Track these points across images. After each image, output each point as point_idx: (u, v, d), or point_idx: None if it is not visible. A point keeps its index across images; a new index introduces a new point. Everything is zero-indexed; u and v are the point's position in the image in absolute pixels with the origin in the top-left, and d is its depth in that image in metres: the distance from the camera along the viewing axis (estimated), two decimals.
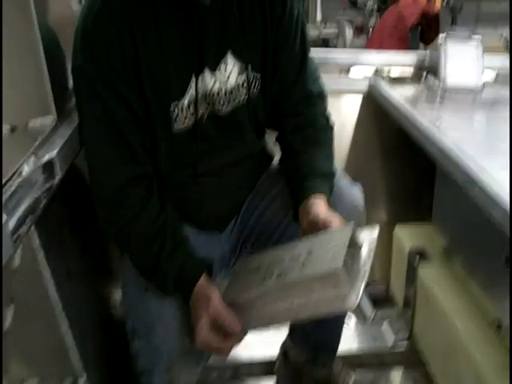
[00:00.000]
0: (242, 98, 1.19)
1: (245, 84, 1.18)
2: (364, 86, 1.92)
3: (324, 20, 5.20)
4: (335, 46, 4.70)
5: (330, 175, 1.21)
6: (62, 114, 1.17)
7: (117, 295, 1.33)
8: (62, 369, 1.10)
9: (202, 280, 1.08)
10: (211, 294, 1.04)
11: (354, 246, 1.01)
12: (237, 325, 1.00)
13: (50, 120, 1.13)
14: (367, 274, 0.95)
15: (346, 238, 0.98)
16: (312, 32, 5.05)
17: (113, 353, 1.26)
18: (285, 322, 0.98)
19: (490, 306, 1.37)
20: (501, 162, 1.19)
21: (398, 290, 1.81)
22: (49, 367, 1.08)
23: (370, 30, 4.59)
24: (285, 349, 1.58)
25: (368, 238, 1.04)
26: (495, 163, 1.18)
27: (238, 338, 1.02)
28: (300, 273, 0.97)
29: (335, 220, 1.07)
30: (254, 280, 1.04)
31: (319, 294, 0.94)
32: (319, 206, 1.12)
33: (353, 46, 4.53)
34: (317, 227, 1.08)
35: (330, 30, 4.91)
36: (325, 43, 4.87)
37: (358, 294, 0.91)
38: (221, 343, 1.02)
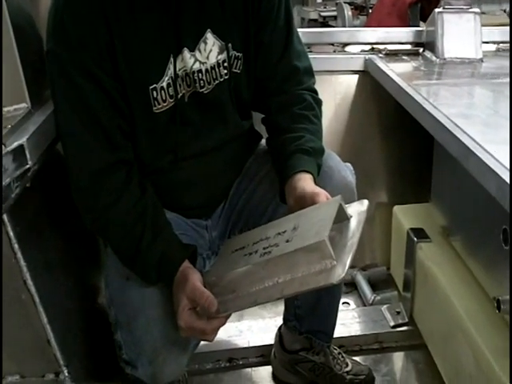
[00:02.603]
0: (223, 78, 1.16)
1: (225, 63, 1.15)
2: (360, 65, 1.88)
3: (323, 1, 5.16)
4: None
5: (317, 153, 1.16)
6: (37, 101, 1.14)
7: (100, 286, 1.29)
8: (42, 364, 1.07)
9: (184, 265, 1.04)
10: (189, 276, 1.01)
11: (341, 219, 0.97)
12: (213, 303, 0.96)
13: (23, 107, 1.09)
14: (355, 247, 0.91)
15: (333, 212, 0.94)
16: (312, 14, 5.01)
17: (96, 345, 1.23)
18: (270, 300, 0.94)
19: (490, 284, 1.34)
20: (498, 135, 1.16)
21: (397, 272, 1.78)
22: (29, 363, 1.05)
23: (370, 10, 4.52)
24: (280, 336, 1.55)
25: (357, 211, 1.00)
26: (492, 136, 1.15)
27: (221, 319, 0.98)
28: (284, 248, 0.93)
29: (322, 194, 1.02)
30: (238, 259, 1.01)
31: (304, 269, 0.90)
32: (306, 182, 1.08)
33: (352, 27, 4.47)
34: (303, 203, 1.03)
35: (329, 12, 4.86)
36: (324, 25, 4.82)
37: (344, 267, 0.87)
38: (203, 325, 0.98)
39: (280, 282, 0.92)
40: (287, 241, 0.95)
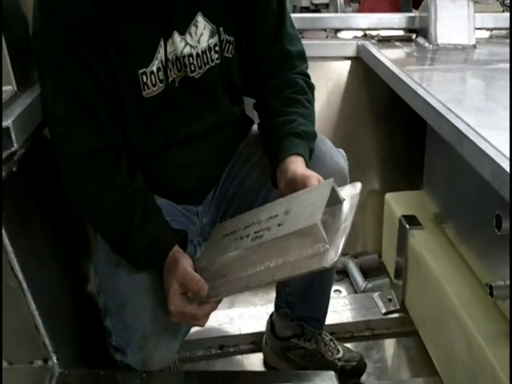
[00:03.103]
0: (215, 62, 1.14)
1: (217, 48, 1.13)
2: (353, 51, 1.87)
3: None
4: None
5: (309, 136, 1.14)
6: (23, 84, 1.12)
7: (89, 273, 1.28)
8: (31, 350, 1.05)
9: (174, 250, 1.03)
10: (179, 260, 1.00)
11: (334, 203, 0.96)
12: (203, 287, 0.95)
13: (8, 90, 1.08)
14: (348, 230, 0.90)
15: (325, 195, 0.92)
16: (303, 1, 4.98)
17: (85, 332, 1.22)
18: (262, 284, 0.93)
19: (482, 270, 1.34)
20: (491, 120, 1.15)
21: (389, 259, 1.78)
22: (17, 349, 1.03)
23: None
24: (271, 323, 1.55)
25: (349, 194, 0.98)
26: (485, 121, 1.13)
27: (212, 304, 0.97)
28: (276, 232, 0.92)
29: (313, 177, 1.01)
30: (229, 243, 1.00)
31: (296, 253, 0.89)
32: (297, 164, 1.06)
33: None
34: (295, 186, 1.02)
35: (320, 0, 4.83)
36: (316, 13, 4.79)
37: (337, 250, 0.86)
38: (194, 310, 0.97)
39: (272, 266, 0.91)
40: (279, 225, 0.93)
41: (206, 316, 0.98)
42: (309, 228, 0.87)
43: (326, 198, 0.91)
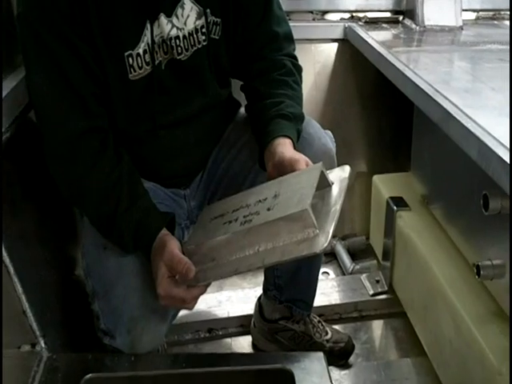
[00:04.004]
0: (202, 44, 1.13)
1: (203, 29, 1.12)
2: (340, 33, 1.86)
3: None
4: None
5: (297, 118, 1.14)
6: (8, 66, 1.11)
7: (78, 256, 1.27)
8: (18, 335, 1.05)
9: (162, 233, 1.03)
10: (167, 243, 0.99)
11: (323, 186, 0.96)
12: (190, 269, 0.94)
13: None
14: (338, 214, 0.90)
15: (315, 179, 0.92)
16: None
17: (73, 316, 1.22)
18: (251, 268, 0.92)
19: (469, 250, 1.34)
20: (478, 100, 1.15)
21: (377, 241, 1.79)
22: (5, 334, 1.02)
23: None
24: (259, 306, 1.55)
25: (338, 177, 0.98)
26: (472, 101, 1.13)
27: (201, 288, 0.97)
28: (266, 217, 0.91)
29: (302, 160, 1.00)
30: (217, 226, 0.99)
31: (286, 238, 0.89)
32: (285, 147, 1.05)
33: None
34: (283, 168, 1.01)
35: None
36: None
37: (327, 236, 0.86)
38: (182, 293, 0.96)
39: (261, 250, 0.91)
40: (268, 209, 0.93)
41: (195, 299, 0.98)
42: (299, 213, 0.87)
43: (315, 183, 0.91)
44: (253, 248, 0.92)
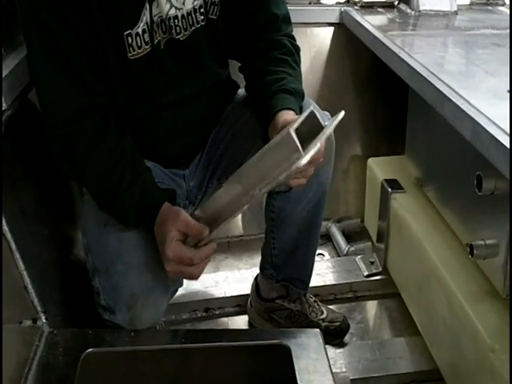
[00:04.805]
0: (200, 24, 1.13)
1: (202, 9, 1.12)
2: (335, 17, 1.85)
3: None
4: None
5: (298, 94, 1.14)
6: (9, 45, 1.11)
7: (77, 233, 1.29)
8: (19, 310, 1.06)
9: (166, 205, 1.04)
10: (179, 211, 1.00)
11: (316, 133, 0.93)
12: (205, 229, 0.96)
13: None
14: (324, 137, 0.89)
15: (302, 116, 0.91)
16: None
17: (73, 292, 1.23)
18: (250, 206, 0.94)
19: (463, 230, 1.36)
20: (472, 82, 1.17)
21: (371, 223, 1.81)
22: (6, 309, 1.03)
23: None
24: (256, 285, 1.57)
25: (332, 121, 0.96)
26: (466, 83, 1.15)
27: (209, 247, 0.98)
28: (254, 157, 0.94)
29: None
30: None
31: (276, 172, 0.88)
32: (288, 117, 1.05)
33: None
34: None
35: None
36: None
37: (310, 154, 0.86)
38: (191, 253, 0.97)
39: (256, 193, 0.92)
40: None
41: (203, 262, 0.98)
42: (282, 138, 0.88)
43: (302, 117, 0.91)
44: (248, 194, 0.92)
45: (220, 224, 0.96)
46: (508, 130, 0.91)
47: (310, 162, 0.87)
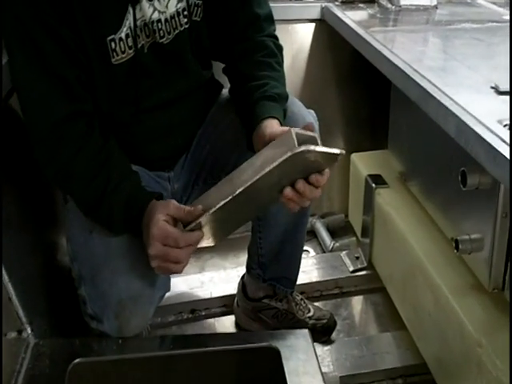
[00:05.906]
0: (183, 27, 1.13)
1: (185, 12, 1.12)
2: (316, 13, 1.85)
3: None
4: None
5: (282, 98, 1.14)
6: None
7: (62, 241, 1.27)
8: (4, 322, 1.04)
9: (153, 202, 1.02)
10: (169, 200, 0.99)
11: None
12: (197, 207, 0.94)
13: None
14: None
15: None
16: None
17: (59, 301, 1.22)
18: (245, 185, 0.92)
19: (447, 225, 1.37)
20: (454, 78, 1.16)
21: (356, 218, 1.81)
22: None
23: None
24: (243, 285, 1.57)
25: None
26: (449, 80, 1.14)
27: (198, 233, 0.96)
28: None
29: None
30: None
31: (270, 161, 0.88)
32: (273, 128, 1.05)
33: None
34: None
35: None
36: None
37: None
38: (178, 234, 0.95)
39: (250, 183, 0.91)
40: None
41: (189, 248, 0.96)
42: (282, 137, 0.90)
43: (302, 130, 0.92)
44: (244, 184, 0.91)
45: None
46: (492, 128, 0.91)
47: (312, 183, 0.94)
